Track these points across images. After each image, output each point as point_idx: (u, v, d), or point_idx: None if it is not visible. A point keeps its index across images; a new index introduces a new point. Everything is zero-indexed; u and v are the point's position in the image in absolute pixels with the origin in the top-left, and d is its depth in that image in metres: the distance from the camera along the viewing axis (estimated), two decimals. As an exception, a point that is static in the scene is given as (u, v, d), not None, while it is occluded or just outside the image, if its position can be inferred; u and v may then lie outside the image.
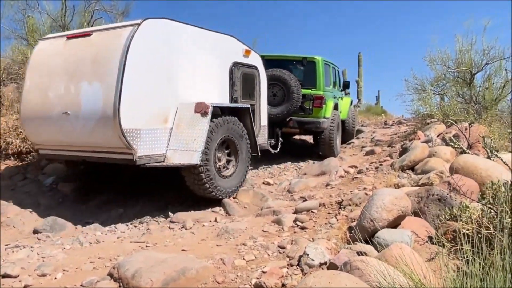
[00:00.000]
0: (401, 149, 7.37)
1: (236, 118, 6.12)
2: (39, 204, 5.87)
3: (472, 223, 2.87)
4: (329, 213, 4.74)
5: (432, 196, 3.77)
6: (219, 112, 5.82)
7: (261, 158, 7.93)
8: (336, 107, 9.76)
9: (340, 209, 4.71)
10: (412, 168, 6.01)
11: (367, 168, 6.82)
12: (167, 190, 6.81)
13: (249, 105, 6.59)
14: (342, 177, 6.72)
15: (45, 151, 5.78)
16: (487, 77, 9.80)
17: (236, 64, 6.66)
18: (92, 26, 8.70)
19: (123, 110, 4.79)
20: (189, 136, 5.39)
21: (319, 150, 9.47)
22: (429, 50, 10.68)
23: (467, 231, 2.83)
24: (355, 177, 6.24)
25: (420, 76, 10.90)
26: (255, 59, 7.14)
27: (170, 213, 5.63)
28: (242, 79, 6.78)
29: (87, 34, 5.44)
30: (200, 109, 5.45)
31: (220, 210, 5.73)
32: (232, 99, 6.56)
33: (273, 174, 8.34)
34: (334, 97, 9.87)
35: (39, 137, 5.70)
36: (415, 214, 3.73)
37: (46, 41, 5.94)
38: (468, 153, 5.78)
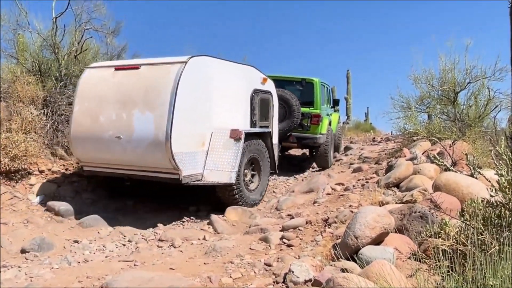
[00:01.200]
0: (387, 166, 7.48)
1: (260, 140, 7.24)
2: (27, 223, 5.86)
3: (450, 240, 2.96)
4: (315, 230, 4.80)
5: (414, 213, 3.85)
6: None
7: None
8: (330, 124, 10.91)
9: (326, 227, 4.77)
10: (397, 185, 6.09)
11: (353, 186, 6.90)
12: (158, 208, 6.85)
13: (270, 129, 7.94)
14: (329, 194, 6.80)
15: (90, 167, 6.61)
16: (470, 95, 9.99)
17: (255, 91, 7.67)
18: (82, 44, 8.85)
19: (173, 137, 5.70)
20: (224, 158, 6.39)
21: (315, 161, 10.72)
22: (414, 69, 10.78)
23: (446, 247, 2.93)
24: (342, 195, 6.32)
25: (406, 94, 10.99)
26: (270, 85, 8.19)
27: (159, 232, 5.67)
28: (259, 103, 7.77)
29: (135, 67, 6.32)
30: (235, 135, 6.49)
31: (209, 228, 5.76)
32: (252, 122, 7.55)
33: None
34: (327, 114, 10.97)
35: (86, 156, 6.51)
36: (399, 231, 3.80)
37: (93, 69, 6.80)
38: (452, 170, 5.90)
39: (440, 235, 3.22)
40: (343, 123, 23.70)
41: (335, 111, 12.57)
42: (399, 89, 11.30)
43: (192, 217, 6.34)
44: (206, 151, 6.42)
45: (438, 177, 5.00)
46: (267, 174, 7.45)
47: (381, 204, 4.89)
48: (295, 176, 9.84)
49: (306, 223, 5.08)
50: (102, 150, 6.28)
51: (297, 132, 9.92)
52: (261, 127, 7.78)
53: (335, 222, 4.72)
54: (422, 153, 7.79)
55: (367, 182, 6.99)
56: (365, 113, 28.22)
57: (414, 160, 7.14)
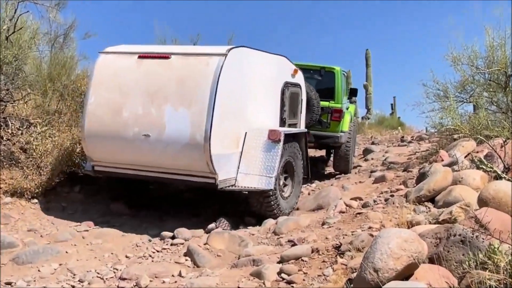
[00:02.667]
0: (418, 174, 7.44)
1: (296, 142, 7.99)
2: None
3: (500, 272, 2.91)
4: (323, 261, 4.77)
5: (453, 237, 3.80)
6: None
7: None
8: (351, 120, 11.68)
9: (338, 256, 4.74)
10: (432, 199, 6.06)
11: (374, 201, 6.89)
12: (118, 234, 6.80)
13: (306, 129, 8.91)
14: (343, 212, 6.77)
15: (104, 168, 7.28)
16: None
17: (286, 85, 8.48)
18: (16, 21, 8.87)
19: (213, 137, 6.39)
20: (261, 161, 7.13)
21: (334, 165, 11.44)
22: (452, 46, 10.70)
23: (495, 283, 2.87)
24: (359, 213, 6.29)
25: (443, 79, 10.93)
26: (299, 78, 9.03)
27: (120, 267, 5.60)
28: (289, 99, 8.56)
29: (165, 57, 6.97)
30: (274, 136, 7.22)
31: (187, 260, 5.73)
32: (282, 120, 8.38)
33: None
34: (347, 108, 11.67)
35: (102, 155, 7.15)
36: (433, 260, 3.75)
37: (109, 55, 7.42)
38: (504, 178, 5.86)
39: (487, 266, 3.17)
40: (362, 117, 23.77)
41: (351, 102, 12.89)
42: (434, 73, 11.12)
43: (165, 246, 6.30)
44: (240, 152, 7.18)
45: (485, 187, 4.95)
46: (300, 179, 8.28)
47: (410, 225, 4.86)
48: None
49: (312, 251, 5.04)
50: (125, 148, 6.92)
51: (314, 130, 10.36)
52: (289, 125, 8.60)
53: (350, 250, 4.68)
54: (465, 156, 7.76)
55: (392, 195, 6.97)
56: (391, 104, 28.38)
57: (454, 166, 7.11)
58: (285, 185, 7.80)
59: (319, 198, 7.90)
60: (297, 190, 8.15)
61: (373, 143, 17.24)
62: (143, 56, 7.13)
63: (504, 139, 7.34)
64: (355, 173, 11.09)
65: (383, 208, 6.33)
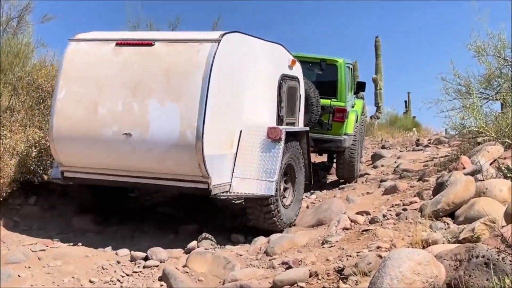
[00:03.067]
0: (436, 184, 7.46)
1: (297, 142, 8.21)
2: None
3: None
4: (323, 287, 4.75)
5: (475, 258, 3.80)
6: None
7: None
8: (357, 120, 11.82)
9: (340, 281, 4.72)
10: (451, 213, 6.07)
11: (384, 215, 6.87)
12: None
13: (308, 128, 9.18)
14: (347, 229, 6.77)
15: (75, 174, 7.32)
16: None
17: (283, 77, 8.60)
18: None
19: (205, 135, 6.48)
20: (260, 163, 7.25)
21: (337, 172, 11.63)
22: (476, 34, 10.73)
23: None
24: (366, 230, 6.28)
25: (465, 72, 10.96)
26: (297, 70, 9.20)
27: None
28: (287, 93, 8.70)
29: (148, 43, 7.07)
30: (275, 134, 7.32)
31: (162, 285, 5.75)
32: (279, 117, 8.48)
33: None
34: (352, 106, 11.90)
35: (74, 158, 7.21)
36: (451, 286, 3.76)
37: (82, 43, 7.48)
38: (535, 189, 5.88)
39: (514, 294, 3.18)
40: (371, 117, 23.84)
41: (357, 97, 13.15)
42: (454, 65, 11.12)
43: (136, 269, 6.28)
44: (234, 154, 7.30)
45: (513, 200, 4.97)
46: (302, 186, 8.45)
47: (426, 244, 4.86)
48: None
49: (310, 275, 5.02)
50: (101, 150, 7.00)
51: (314, 132, 10.24)
52: (287, 124, 8.71)
53: (354, 274, 4.67)
54: (490, 163, 7.78)
55: (405, 209, 6.95)
56: (405, 101, 28.55)
57: (477, 175, 7.13)
58: (285, 189, 7.95)
59: (319, 212, 7.88)
60: (299, 198, 8.33)
61: (383, 147, 17.29)
62: (121, 43, 7.18)
63: (536, 143, 7.39)
64: (362, 182, 11.08)
65: (394, 224, 6.31)
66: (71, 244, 7.11)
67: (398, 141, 19.11)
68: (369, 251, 5.33)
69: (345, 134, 10.93)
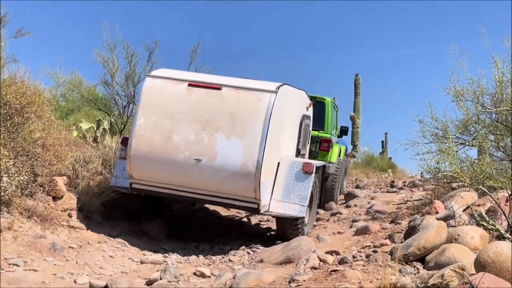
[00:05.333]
0: (407, 227, 7.44)
1: (317, 173, 10.03)
2: None
3: None
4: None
5: (443, 306, 3.78)
6: None
7: (200, 233, 10.21)
8: (339, 154, 13.90)
9: (304, 323, 4.64)
10: (422, 258, 6.04)
11: (354, 256, 6.84)
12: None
13: (325, 162, 11.63)
14: (316, 268, 6.70)
15: (142, 186, 9.06)
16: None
17: (303, 117, 10.75)
18: None
19: (263, 167, 8.39)
20: (295, 191, 9.14)
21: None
22: (455, 78, 10.80)
23: None
24: (335, 270, 6.20)
25: (442, 116, 11.01)
26: (311, 110, 11.43)
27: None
28: (303, 130, 10.77)
29: (217, 87, 8.84)
30: (309, 168, 9.25)
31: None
32: (297, 150, 10.57)
33: (212, 260, 8.49)
34: (336, 142, 13.98)
35: (145, 173, 8.92)
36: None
37: (157, 80, 9.21)
38: (508, 238, 5.87)
39: None
40: (347, 155, 23.86)
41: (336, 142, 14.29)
42: (432, 108, 11.19)
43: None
44: (273, 180, 9.14)
45: (485, 249, 4.96)
46: (315, 207, 10.54)
47: (394, 288, 4.80)
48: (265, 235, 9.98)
49: (275, 315, 4.93)
50: (173, 170, 8.74)
51: None
52: (302, 155, 10.92)
53: (320, 316, 4.59)
54: (464, 210, 7.79)
55: (375, 251, 6.95)
56: (382, 142, 28.69)
57: (450, 220, 7.14)
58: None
59: (288, 249, 7.80)
60: (313, 217, 10.51)
61: (357, 187, 17.35)
62: (193, 84, 8.93)
63: (510, 192, 7.40)
64: (334, 221, 11.09)
65: (364, 266, 6.26)
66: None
67: (373, 181, 19.17)
68: (336, 293, 5.27)
69: (329, 162, 12.64)
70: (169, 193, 9.05)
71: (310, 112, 11.32)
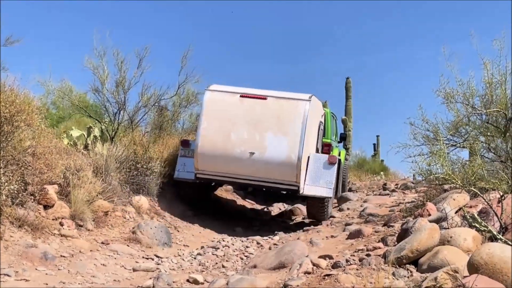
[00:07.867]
0: (400, 230, 7.45)
1: (337, 165, 12.29)
2: None
3: None
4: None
5: (437, 309, 3.77)
6: None
7: (194, 239, 10.62)
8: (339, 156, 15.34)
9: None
10: (415, 261, 6.04)
11: (347, 260, 6.85)
12: None
13: (340, 157, 13.94)
14: (309, 273, 6.71)
15: (205, 175, 11.62)
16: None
17: (320, 123, 13.16)
18: None
19: (301, 158, 10.96)
20: (323, 177, 11.44)
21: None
22: (445, 80, 10.79)
23: None
24: (328, 274, 6.21)
25: (433, 118, 10.98)
26: (324, 116, 14.01)
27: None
28: (320, 133, 13.18)
29: (263, 98, 11.48)
30: (333, 160, 11.68)
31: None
32: (316, 148, 12.67)
33: (206, 266, 8.44)
34: (336, 146, 15.42)
35: (208, 165, 11.43)
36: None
37: (215, 93, 11.85)
38: (500, 240, 5.88)
39: None
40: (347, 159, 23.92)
41: (342, 147, 16.42)
42: (423, 111, 11.17)
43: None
44: (305, 169, 11.38)
45: (477, 250, 4.97)
46: (334, 195, 12.54)
47: (388, 292, 4.80)
48: (259, 241, 9.95)
49: (268, 321, 4.92)
50: (231, 162, 11.25)
51: None
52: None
53: (313, 321, 4.58)
54: (456, 211, 7.80)
55: (368, 255, 6.96)
56: (374, 144, 28.69)
57: (442, 222, 7.14)
58: None
59: (281, 254, 7.80)
60: (333, 202, 12.93)
61: (350, 190, 17.32)
62: (244, 96, 11.53)
63: (501, 193, 7.40)
64: (327, 225, 11.12)
65: (357, 270, 6.26)
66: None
67: (365, 184, 19.19)
68: (329, 297, 5.26)
69: None
70: (227, 180, 12.04)
71: (323, 119, 13.79)
